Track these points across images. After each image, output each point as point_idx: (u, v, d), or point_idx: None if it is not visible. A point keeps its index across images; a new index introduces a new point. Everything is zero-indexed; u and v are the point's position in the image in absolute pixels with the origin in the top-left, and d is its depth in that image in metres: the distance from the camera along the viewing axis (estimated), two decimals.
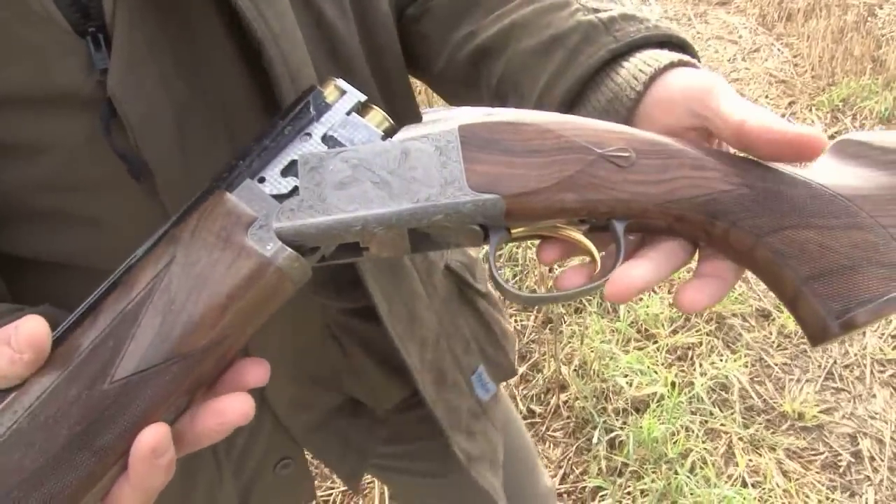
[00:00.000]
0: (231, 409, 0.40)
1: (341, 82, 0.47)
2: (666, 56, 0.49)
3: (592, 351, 2.05)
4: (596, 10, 0.54)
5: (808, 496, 1.70)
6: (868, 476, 1.76)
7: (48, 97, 0.48)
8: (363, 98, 0.46)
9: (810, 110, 3.15)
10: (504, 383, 0.97)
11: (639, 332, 2.18)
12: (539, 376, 2.05)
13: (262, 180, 0.44)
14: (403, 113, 0.67)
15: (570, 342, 2.12)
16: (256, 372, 0.43)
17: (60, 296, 0.47)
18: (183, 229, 0.42)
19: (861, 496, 1.72)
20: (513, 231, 0.46)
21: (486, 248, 0.47)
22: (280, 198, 0.43)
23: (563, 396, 1.99)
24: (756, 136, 0.42)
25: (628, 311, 2.22)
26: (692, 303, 0.43)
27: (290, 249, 0.42)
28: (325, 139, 0.45)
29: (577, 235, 0.46)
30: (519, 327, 2.23)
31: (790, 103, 3.22)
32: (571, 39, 0.54)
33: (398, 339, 0.68)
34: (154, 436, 0.38)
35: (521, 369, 2.08)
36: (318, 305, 0.69)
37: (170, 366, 0.40)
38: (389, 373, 0.76)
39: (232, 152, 0.53)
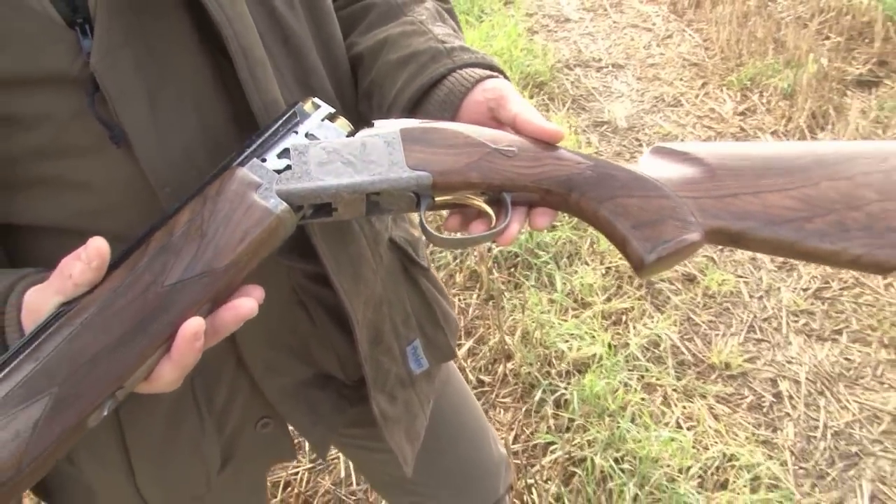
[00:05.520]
0: (242, 305, 0.56)
1: (317, 100, 0.64)
2: (480, 72, 0.71)
3: (533, 321, 2.18)
4: (443, 42, 0.75)
5: (736, 434, 1.86)
6: (788, 413, 1.94)
7: (40, 77, 0.58)
8: (332, 110, 0.64)
9: (721, 90, 3.36)
10: (456, 364, 1.06)
11: (575, 301, 2.32)
12: (485, 348, 2.17)
13: (264, 160, 0.60)
14: (349, 94, 0.79)
15: (511, 315, 2.24)
16: (256, 292, 0.58)
17: (57, 260, 0.57)
18: (210, 189, 0.57)
19: (782, 430, 1.89)
20: (437, 199, 0.63)
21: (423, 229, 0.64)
22: (277, 172, 0.59)
23: (509, 365, 2.11)
24: (522, 126, 0.64)
25: (564, 283, 2.36)
26: (540, 225, 0.66)
27: (285, 204, 0.58)
28: (307, 135, 0.62)
29: (480, 203, 0.65)
30: (463, 305, 2.34)
31: (703, 84, 3.43)
32: (423, 57, 0.73)
33: (344, 292, 0.76)
34: (195, 324, 0.52)
35: (468, 344, 2.20)
36: (284, 269, 0.77)
37: (202, 278, 0.54)
38: (353, 342, 0.82)
39: (205, 125, 0.65)
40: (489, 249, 2.49)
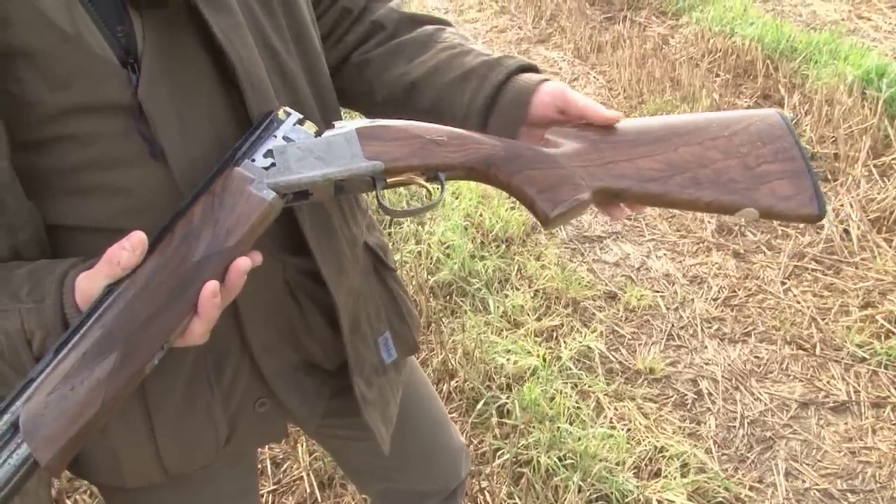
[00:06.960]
0: (241, 262, 0.70)
1: (289, 109, 0.78)
2: (535, 76, 0.87)
3: (472, 341, 2.32)
4: (487, 55, 0.90)
5: (665, 428, 2.04)
6: (708, 408, 2.13)
7: (99, 105, 0.72)
8: (301, 116, 0.78)
9: None
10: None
11: (508, 322, 2.48)
12: (429, 370, 2.30)
13: (253, 160, 0.74)
14: (333, 112, 0.94)
15: (452, 337, 2.38)
16: (255, 255, 0.73)
17: (94, 253, 0.70)
18: (215, 186, 0.72)
19: (705, 423, 2.08)
20: (388, 180, 0.78)
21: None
22: (265, 168, 0.73)
23: (453, 383, 2.24)
24: (591, 117, 0.82)
25: (497, 306, 2.52)
26: None
27: (273, 193, 0.72)
28: (284, 138, 0.76)
29: (422, 182, 0.80)
30: None
31: None
32: (480, 70, 0.89)
33: (330, 280, 0.90)
34: (213, 285, 0.67)
35: None
36: (279, 265, 0.89)
37: (218, 252, 0.69)
38: (336, 334, 0.95)
39: (221, 142, 0.79)
40: (426, 280, 2.64)
